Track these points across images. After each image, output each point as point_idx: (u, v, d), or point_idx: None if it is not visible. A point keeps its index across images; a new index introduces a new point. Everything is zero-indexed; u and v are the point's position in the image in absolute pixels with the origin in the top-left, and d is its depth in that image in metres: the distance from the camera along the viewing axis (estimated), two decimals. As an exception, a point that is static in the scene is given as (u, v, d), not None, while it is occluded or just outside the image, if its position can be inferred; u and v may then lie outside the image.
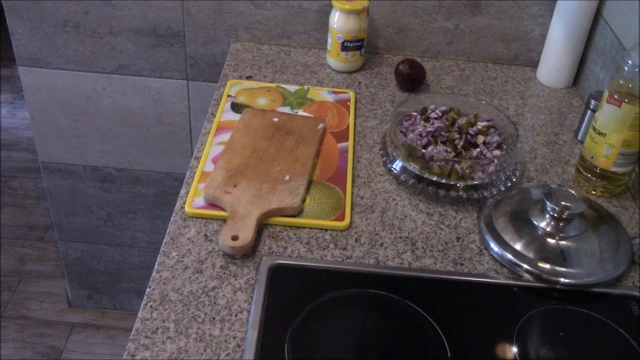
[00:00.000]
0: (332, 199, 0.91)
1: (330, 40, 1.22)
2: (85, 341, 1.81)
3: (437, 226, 0.90)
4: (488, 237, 0.86)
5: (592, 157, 0.95)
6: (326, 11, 1.26)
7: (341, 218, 0.88)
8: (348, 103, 1.13)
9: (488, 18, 1.27)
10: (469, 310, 0.78)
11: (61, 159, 1.53)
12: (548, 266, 0.81)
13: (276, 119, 1.05)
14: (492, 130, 0.98)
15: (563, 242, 0.84)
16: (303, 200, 0.90)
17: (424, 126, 0.98)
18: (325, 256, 0.83)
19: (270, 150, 0.98)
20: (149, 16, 1.31)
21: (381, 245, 0.86)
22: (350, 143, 1.03)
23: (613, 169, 0.94)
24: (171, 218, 0.87)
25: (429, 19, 1.28)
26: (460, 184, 0.91)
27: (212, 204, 0.88)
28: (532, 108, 1.19)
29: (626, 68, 0.89)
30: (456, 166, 0.90)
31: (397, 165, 0.95)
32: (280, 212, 0.87)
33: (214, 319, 0.74)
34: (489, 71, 1.30)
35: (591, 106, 1.04)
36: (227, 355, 0.70)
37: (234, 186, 0.90)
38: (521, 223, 0.86)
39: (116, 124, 1.46)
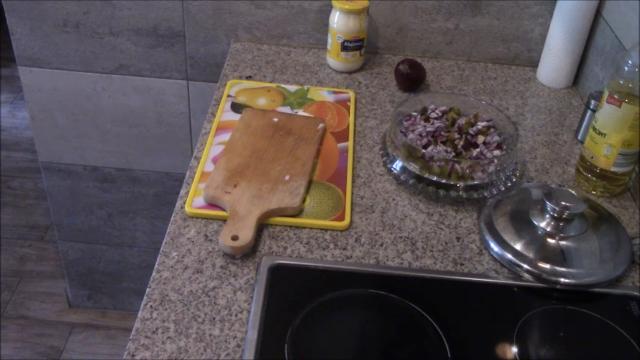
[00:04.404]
0: (332, 199, 0.91)
1: (330, 40, 1.22)
2: (85, 341, 1.81)
3: (437, 226, 0.90)
4: (488, 237, 0.86)
5: (592, 157, 0.95)
6: (326, 11, 1.26)
7: (341, 218, 0.88)
8: (348, 103, 1.13)
9: (488, 18, 1.28)
10: (469, 310, 0.78)
11: (61, 159, 1.53)
12: (548, 266, 0.81)
13: (276, 119, 1.05)
14: (492, 130, 0.98)
15: (563, 242, 0.84)
16: (303, 200, 0.90)
17: (424, 126, 0.98)
18: (325, 256, 0.83)
19: (270, 150, 0.98)
20: (149, 16, 1.31)
21: (381, 245, 0.86)
22: (350, 143, 1.03)
23: (613, 169, 0.94)
24: (171, 218, 0.87)
25: (429, 19, 1.28)
26: (460, 184, 0.91)
27: (212, 204, 0.88)
28: (532, 108, 1.19)
29: (626, 68, 0.89)
30: (456, 166, 0.90)
31: (397, 165, 0.95)
32: (280, 212, 0.87)
33: (214, 319, 0.74)
34: (489, 71, 1.30)
35: (591, 106, 1.05)
36: (227, 355, 0.70)
37: (234, 186, 0.90)
38: (521, 223, 0.86)
39: (116, 124, 1.46)
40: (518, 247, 0.83)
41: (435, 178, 0.91)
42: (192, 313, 0.74)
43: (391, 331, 0.75)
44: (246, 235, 0.81)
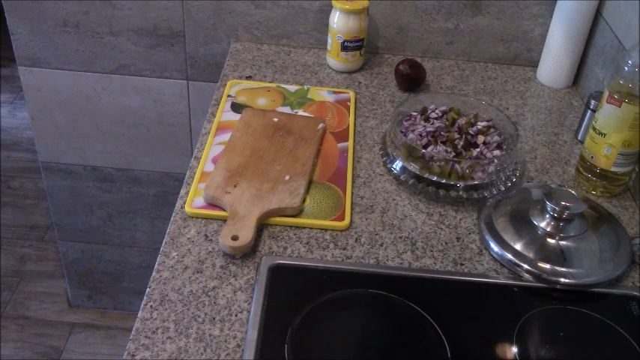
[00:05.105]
0: (332, 199, 0.91)
1: (330, 40, 1.22)
2: (85, 341, 1.81)
3: (437, 226, 0.90)
4: (488, 237, 0.86)
5: (592, 157, 0.95)
6: (326, 11, 1.26)
7: (341, 218, 0.88)
8: (348, 103, 1.13)
9: (488, 18, 1.28)
10: (469, 310, 0.78)
11: (61, 159, 1.53)
12: (548, 266, 0.81)
13: (276, 119, 1.05)
14: (492, 130, 0.98)
15: (563, 242, 0.84)
16: (303, 200, 0.90)
17: (424, 126, 0.98)
18: (325, 256, 0.83)
19: (270, 150, 0.98)
20: (149, 16, 1.31)
21: (381, 245, 0.86)
22: (350, 143, 1.03)
23: (613, 169, 0.94)
24: (172, 218, 0.87)
25: (429, 19, 1.28)
26: (460, 184, 0.91)
27: (212, 204, 0.88)
28: (532, 108, 1.19)
29: (626, 68, 0.89)
30: (456, 166, 0.90)
31: (397, 165, 0.95)
32: (280, 212, 0.87)
33: (214, 319, 0.74)
34: (489, 71, 1.30)
35: (591, 106, 1.05)
36: (227, 355, 0.70)
37: (234, 186, 0.90)
38: (521, 223, 0.86)
39: (116, 124, 1.46)
40: (518, 247, 0.83)
41: (435, 178, 0.91)
42: (192, 313, 0.74)
43: (391, 331, 0.75)
44: (246, 235, 0.81)
